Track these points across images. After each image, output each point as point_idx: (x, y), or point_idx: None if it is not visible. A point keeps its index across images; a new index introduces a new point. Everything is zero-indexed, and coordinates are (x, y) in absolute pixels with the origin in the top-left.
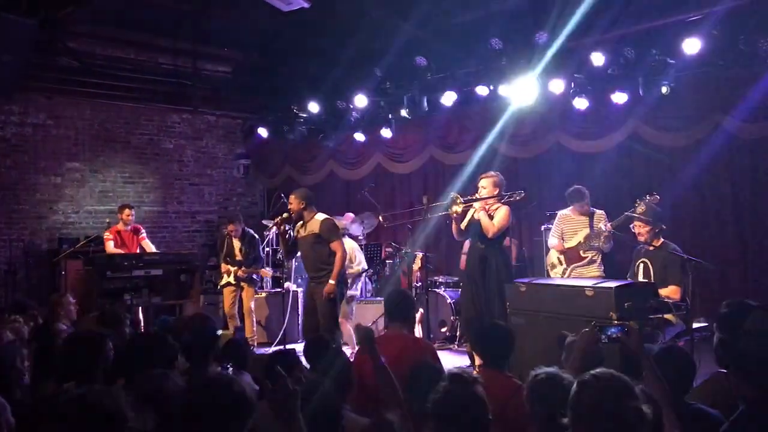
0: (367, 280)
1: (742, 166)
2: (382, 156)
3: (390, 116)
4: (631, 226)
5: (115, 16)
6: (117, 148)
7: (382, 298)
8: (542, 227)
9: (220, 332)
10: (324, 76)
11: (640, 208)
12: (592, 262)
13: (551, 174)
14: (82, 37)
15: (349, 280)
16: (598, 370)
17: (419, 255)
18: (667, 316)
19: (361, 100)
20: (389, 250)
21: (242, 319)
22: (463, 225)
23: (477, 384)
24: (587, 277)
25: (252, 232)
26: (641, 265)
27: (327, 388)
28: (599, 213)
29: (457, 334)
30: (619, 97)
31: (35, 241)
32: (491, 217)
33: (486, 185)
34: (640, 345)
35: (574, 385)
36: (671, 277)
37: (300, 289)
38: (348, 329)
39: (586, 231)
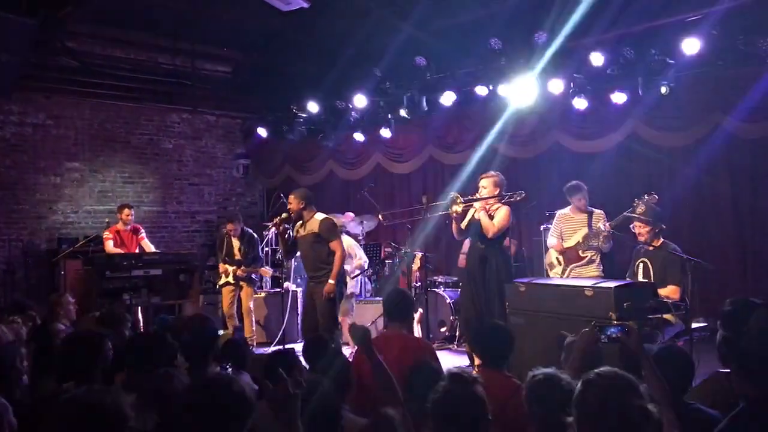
0: (366, 279)
1: (742, 166)
2: (381, 156)
3: (389, 116)
4: (631, 226)
5: (115, 16)
6: (116, 147)
7: (382, 298)
8: (541, 227)
9: (221, 332)
10: (323, 76)
11: (640, 208)
12: (591, 261)
13: (550, 174)
14: (81, 37)
15: (351, 275)
16: (602, 368)
17: (418, 255)
18: (666, 316)
19: (360, 100)
20: (388, 250)
21: (241, 319)
22: (463, 224)
23: (477, 384)
24: (586, 276)
25: (251, 231)
26: (641, 265)
27: (326, 389)
28: (598, 212)
29: (457, 334)
30: (619, 97)
31: (34, 240)
32: (491, 217)
33: (486, 185)
34: (640, 345)
35: (579, 384)
36: (671, 277)
37: (299, 289)
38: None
39: (585, 230)
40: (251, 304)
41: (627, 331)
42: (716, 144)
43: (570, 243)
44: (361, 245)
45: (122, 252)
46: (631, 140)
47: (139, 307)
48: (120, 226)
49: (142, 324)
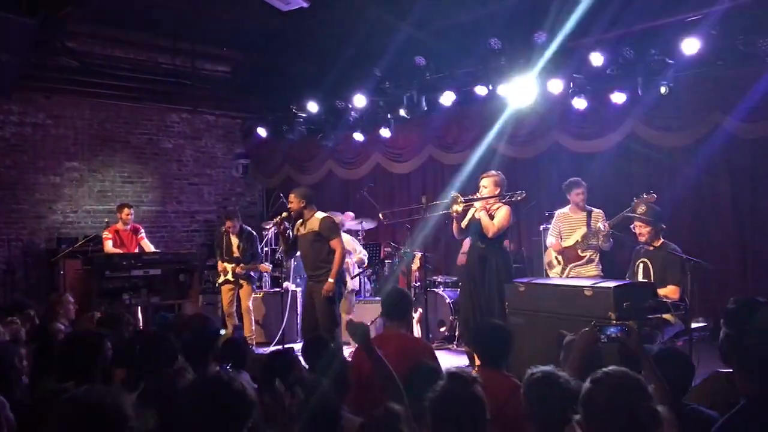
0: (366, 279)
1: (742, 166)
2: (381, 156)
3: (389, 116)
4: (631, 226)
5: (115, 16)
6: (116, 147)
7: (381, 298)
8: (541, 227)
9: (222, 332)
10: (323, 76)
11: (641, 208)
12: (590, 261)
13: (550, 174)
14: (81, 37)
15: (352, 273)
16: (611, 368)
17: (418, 255)
18: (665, 315)
19: (360, 100)
20: (388, 249)
21: (240, 318)
22: (463, 224)
23: (476, 383)
24: (585, 276)
25: (249, 228)
26: (641, 265)
27: (326, 389)
28: (597, 212)
29: (456, 333)
30: (618, 97)
31: (34, 240)
32: (492, 217)
33: (487, 185)
34: (640, 345)
35: (587, 382)
36: (671, 276)
37: (299, 289)
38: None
39: (584, 230)
40: (250, 304)
41: (627, 331)
42: (716, 144)
43: (569, 242)
44: (361, 245)
45: (122, 252)
46: (630, 140)
47: (139, 307)
48: (120, 225)
49: (141, 324)
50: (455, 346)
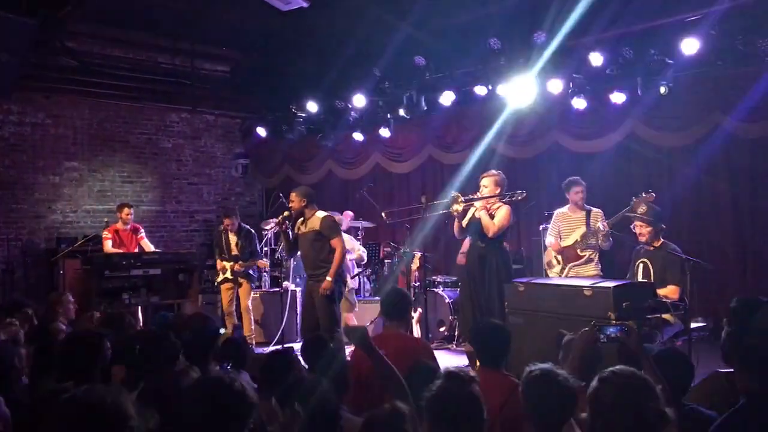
0: (365, 279)
1: (741, 166)
2: (380, 155)
3: (388, 116)
4: (631, 226)
5: (114, 16)
6: (115, 147)
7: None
8: (540, 227)
9: (222, 331)
10: (323, 76)
11: (641, 208)
12: (589, 261)
13: (550, 174)
14: (81, 37)
15: (352, 274)
16: (618, 367)
17: (418, 254)
18: (665, 315)
19: (359, 100)
20: (388, 249)
21: (240, 318)
22: (463, 223)
23: (473, 382)
24: (584, 276)
25: (248, 227)
26: (641, 265)
27: (326, 389)
28: (596, 211)
29: (456, 333)
30: (618, 97)
31: (33, 240)
32: (492, 216)
33: (487, 184)
34: (640, 345)
35: (594, 381)
36: (670, 276)
37: (298, 289)
38: (353, 324)
39: (583, 229)
40: (249, 303)
41: (626, 331)
42: (716, 144)
43: (568, 242)
44: (361, 244)
45: (121, 252)
46: (630, 140)
47: (139, 307)
48: (119, 225)
49: (141, 324)
50: (455, 346)
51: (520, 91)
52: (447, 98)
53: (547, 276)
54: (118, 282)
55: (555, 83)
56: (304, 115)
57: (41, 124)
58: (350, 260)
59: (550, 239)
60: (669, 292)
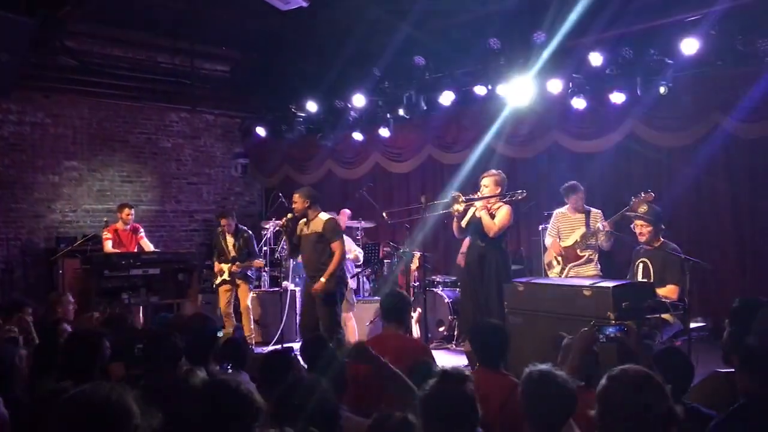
0: (365, 279)
1: (741, 165)
2: (380, 155)
3: (388, 116)
4: (631, 225)
5: (114, 16)
6: (115, 147)
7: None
8: (540, 227)
9: (220, 333)
10: (322, 76)
11: (642, 207)
12: (589, 261)
13: (549, 174)
14: (80, 36)
15: (351, 268)
16: (628, 365)
17: (417, 254)
18: (664, 315)
19: (359, 100)
20: (387, 249)
21: (239, 318)
22: (463, 223)
23: (467, 382)
24: (584, 276)
25: (245, 228)
26: (641, 265)
27: (325, 388)
28: (595, 212)
29: (455, 333)
30: (617, 97)
31: (33, 239)
32: (493, 216)
33: (488, 184)
34: (640, 344)
35: (603, 379)
36: (670, 276)
37: (298, 288)
38: (352, 324)
39: (583, 229)
40: (249, 303)
41: (627, 331)
42: (715, 144)
43: (568, 242)
44: (358, 244)
45: (120, 251)
46: (630, 140)
47: (140, 307)
48: (119, 225)
49: (142, 323)
50: (454, 346)
51: (520, 91)
52: (447, 98)
53: (547, 276)
54: (117, 282)
55: (555, 83)
56: (303, 114)
57: (41, 124)
58: (350, 263)
59: (549, 240)
60: (668, 291)
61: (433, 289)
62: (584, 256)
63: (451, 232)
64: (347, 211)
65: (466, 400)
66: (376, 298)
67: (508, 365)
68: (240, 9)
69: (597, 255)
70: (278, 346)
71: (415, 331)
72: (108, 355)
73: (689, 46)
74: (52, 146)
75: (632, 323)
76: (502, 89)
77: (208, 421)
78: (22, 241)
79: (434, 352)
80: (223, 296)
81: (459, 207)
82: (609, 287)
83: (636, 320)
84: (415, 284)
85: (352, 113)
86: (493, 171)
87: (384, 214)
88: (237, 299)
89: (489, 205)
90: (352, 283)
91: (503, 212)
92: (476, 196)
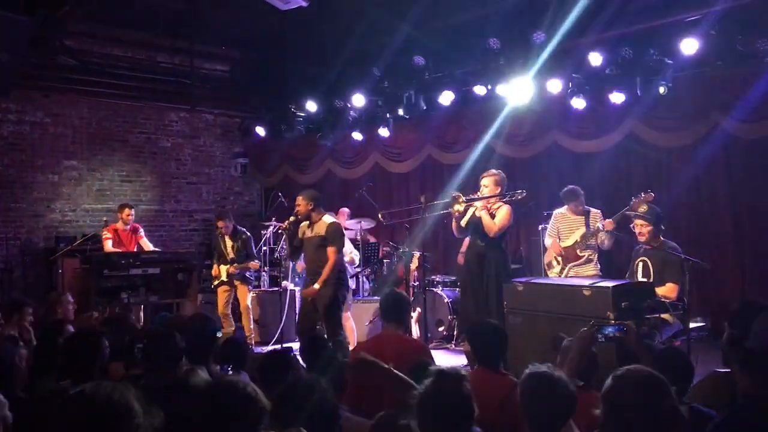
0: (364, 279)
1: (741, 165)
2: (379, 155)
3: (388, 115)
4: (631, 225)
5: (113, 15)
6: (114, 146)
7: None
8: (539, 227)
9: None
10: (322, 75)
11: (642, 207)
12: (588, 261)
13: (549, 174)
14: (79, 36)
15: (350, 268)
16: (632, 366)
17: (417, 254)
18: (664, 315)
19: (358, 100)
20: (387, 249)
21: (238, 319)
22: (463, 222)
23: (464, 381)
24: (584, 276)
25: (244, 230)
26: (640, 264)
27: (325, 388)
28: (595, 212)
29: (455, 333)
30: (617, 97)
31: (32, 239)
32: (493, 216)
33: (488, 184)
34: (641, 344)
35: (608, 379)
36: (669, 275)
37: (297, 288)
38: (350, 324)
39: (583, 230)
40: (249, 303)
41: (626, 331)
42: (715, 144)
43: (568, 242)
44: (357, 245)
45: (120, 251)
46: (629, 140)
47: (141, 306)
48: (119, 225)
49: (142, 323)
50: (454, 346)
51: (519, 91)
52: (446, 98)
53: (546, 276)
54: (116, 281)
55: (554, 83)
56: (303, 114)
57: (40, 123)
58: (349, 263)
59: (548, 240)
60: (667, 290)
61: (433, 288)
62: (584, 256)
63: (450, 231)
64: (346, 210)
65: (462, 400)
66: (376, 297)
67: (507, 365)
68: (240, 9)
69: (596, 255)
70: (278, 346)
71: (415, 330)
72: (108, 354)
73: (689, 46)
74: (51, 146)
75: (632, 323)
76: (501, 89)
77: (212, 421)
78: (22, 241)
79: (434, 352)
80: (222, 297)
81: (459, 207)
82: (608, 287)
83: (635, 320)
84: (415, 284)
85: (351, 113)
86: (493, 171)
87: (380, 215)
88: (236, 300)
89: (489, 205)
90: (351, 283)
91: (503, 212)
92: (476, 196)
